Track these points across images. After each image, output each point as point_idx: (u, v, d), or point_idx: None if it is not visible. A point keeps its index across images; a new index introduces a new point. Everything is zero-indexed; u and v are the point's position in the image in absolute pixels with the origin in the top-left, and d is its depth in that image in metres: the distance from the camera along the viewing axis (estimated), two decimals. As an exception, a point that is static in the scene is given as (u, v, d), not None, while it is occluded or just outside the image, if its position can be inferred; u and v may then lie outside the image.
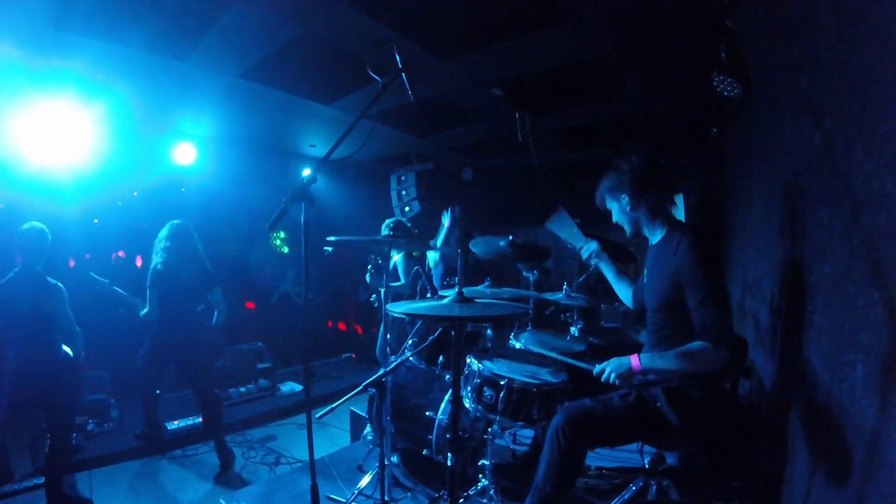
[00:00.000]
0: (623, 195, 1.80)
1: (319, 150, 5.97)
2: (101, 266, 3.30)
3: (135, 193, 5.01)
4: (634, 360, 1.69)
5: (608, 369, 1.71)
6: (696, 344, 1.60)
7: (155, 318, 3.24)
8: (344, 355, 6.34)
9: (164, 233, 3.32)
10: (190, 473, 3.28)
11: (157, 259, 3.25)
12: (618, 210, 1.86)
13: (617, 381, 1.69)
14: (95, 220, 4.70)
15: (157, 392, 3.54)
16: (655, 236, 1.83)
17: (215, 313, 3.50)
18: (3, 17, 2.53)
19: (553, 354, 1.98)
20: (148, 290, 3.21)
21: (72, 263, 4.51)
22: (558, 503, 1.69)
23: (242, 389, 4.52)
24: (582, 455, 1.73)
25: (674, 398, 1.67)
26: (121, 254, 5.17)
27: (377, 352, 4.20)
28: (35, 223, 2.76)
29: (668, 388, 1.68)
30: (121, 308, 3.48)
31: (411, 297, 3.89)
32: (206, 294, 3.44)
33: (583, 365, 1.83)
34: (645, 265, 1.93)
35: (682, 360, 1.61)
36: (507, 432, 2.78)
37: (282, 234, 6.80)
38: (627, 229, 1.88)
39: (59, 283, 2.76)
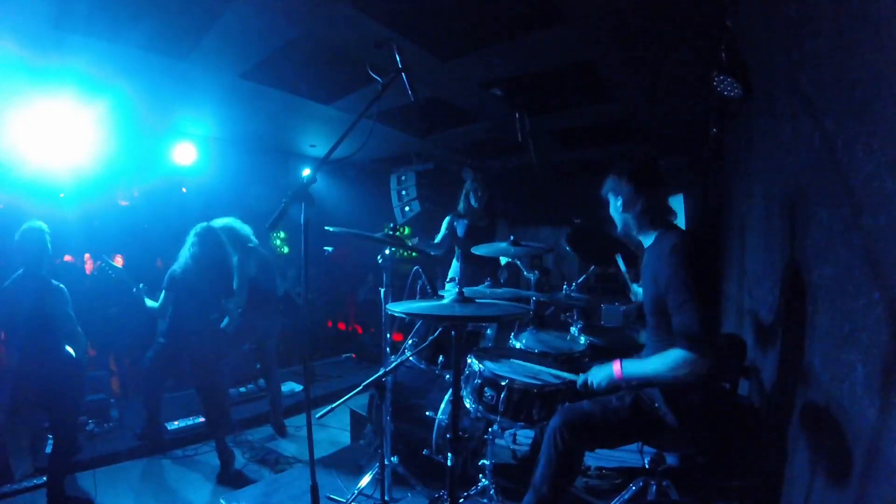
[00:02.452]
0: (619, 196, 1.83)
1: (319, 150, 5.97)
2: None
3: (135, 193, 4.99)
4: (616, 368, 1.71)
5: (590, 379, 1.75)
6: (673, 350, 1.59)
7: (166, 316, 3.25)
8: (344, 355, 6.33)
9: (191, 238, 3.29)
10: (190, 473, 3.27)
11: (177, 263, 3.26)
12: (612, 208, 1.91)
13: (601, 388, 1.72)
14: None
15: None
16: (647, 240, 1.85)
17: (226, 318, 3.51)
18: (3, 16, 2.53)
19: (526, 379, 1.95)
20: (163, 292, 3.23)
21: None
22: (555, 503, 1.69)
23: (242, 389, 4.50)
24: (579, 457, 1.74)
25: (672, 399, 1.67)
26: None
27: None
28: (34, 222, 2.74)
29: (666, 390, 1.68)
30: (113, 308, 3.44)
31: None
32: (220, 303, 3.44)
33: (567, 375, 1.87)
34: (640, 269, 1.95)
35: (660, 365, 1.62)
36: (507, 432, 2.78)
37: (282, 234, 6.80)
38: (618, 227, 1.93)
39: (62, 285, 2.76)
